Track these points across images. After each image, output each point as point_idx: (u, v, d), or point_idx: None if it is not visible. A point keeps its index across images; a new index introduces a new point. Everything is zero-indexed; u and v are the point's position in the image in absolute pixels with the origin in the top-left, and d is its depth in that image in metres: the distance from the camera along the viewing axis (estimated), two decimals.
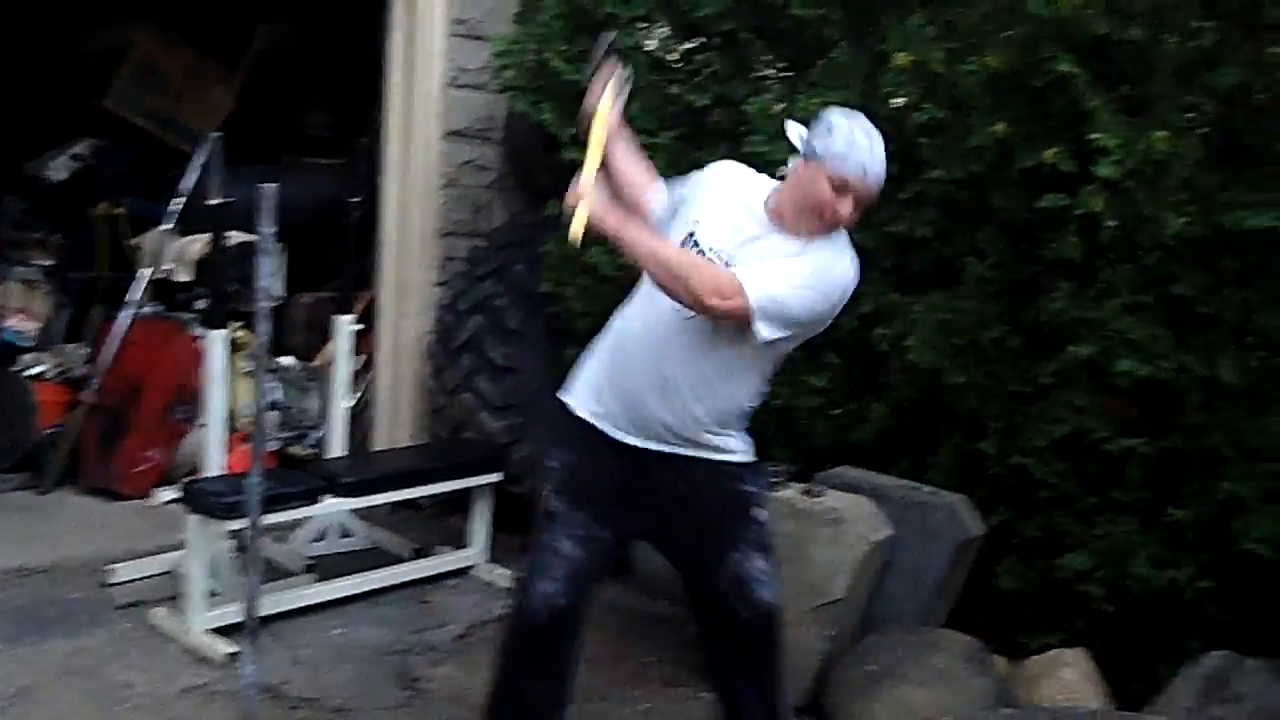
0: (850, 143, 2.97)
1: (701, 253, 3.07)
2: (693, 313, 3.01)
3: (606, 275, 4.99)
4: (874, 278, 4.51)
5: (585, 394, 3.26)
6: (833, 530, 3.99)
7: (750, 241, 3.08)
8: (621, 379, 3.18)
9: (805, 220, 3.05)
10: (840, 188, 2.98)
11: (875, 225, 4.40)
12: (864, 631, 4.15)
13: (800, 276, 3.01)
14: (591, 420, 3.22)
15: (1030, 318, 4.10)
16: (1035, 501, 4.18)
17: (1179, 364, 3.79)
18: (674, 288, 2.96)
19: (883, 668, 3.83)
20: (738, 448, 3.26)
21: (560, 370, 5.00)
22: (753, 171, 3.28)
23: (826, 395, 4.81)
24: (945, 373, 4.19)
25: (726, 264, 3.04)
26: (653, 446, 3.18)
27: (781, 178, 3.16)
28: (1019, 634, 4.23)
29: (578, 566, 3.19)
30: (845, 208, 3.01)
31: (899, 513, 4.16)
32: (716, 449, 3.21)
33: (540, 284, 5.27)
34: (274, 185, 3.18)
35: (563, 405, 3.30)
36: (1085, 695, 3.77)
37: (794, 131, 3.09)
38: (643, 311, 3.19)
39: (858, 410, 4.69)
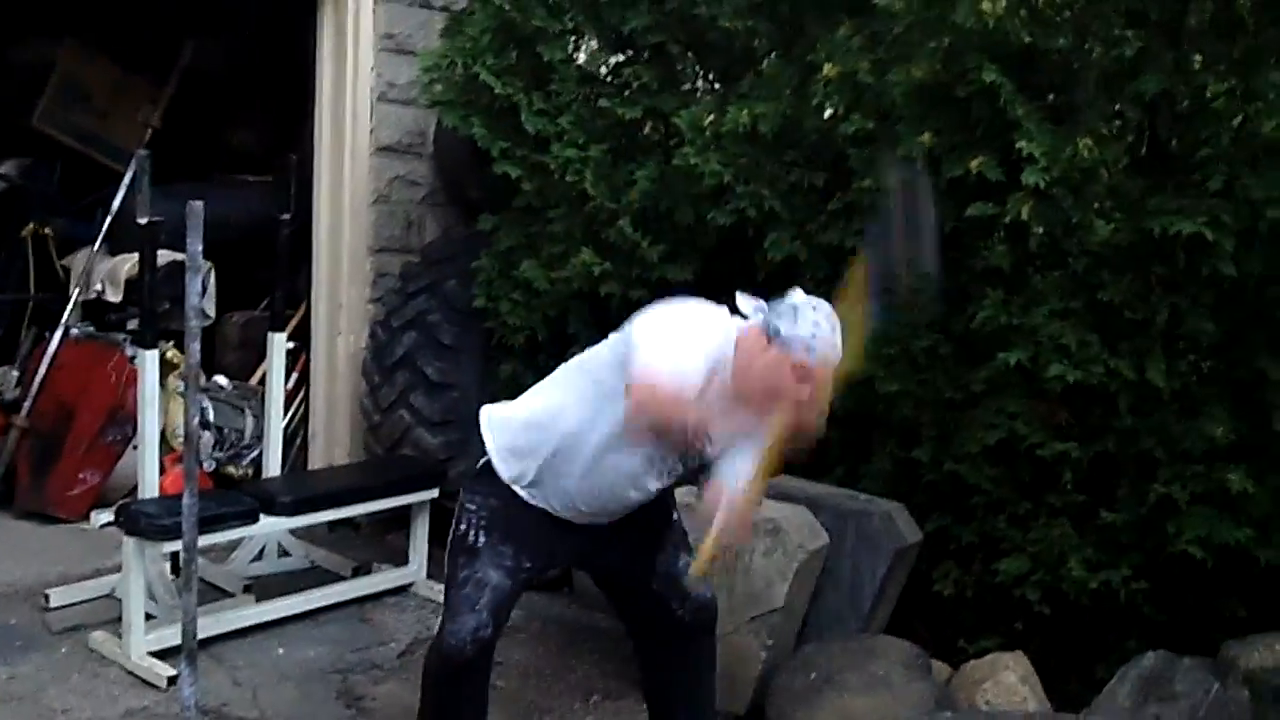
0: (815, 332, 2.94)
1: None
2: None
3: (540, 289, 5.00)
4: (807, 288, 4.53)
5: (521, 481, 3.24)
6: (770, 540, 4.01)
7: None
8: (576, 500, 3.20)
9: (760, 401, 3.00)
10: (803, 376, 2.94)
11: (806, 236, 4.44)
12: (803, 640, 4.18)
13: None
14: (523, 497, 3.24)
15: (961, 326, 4.15)
16: (970, 507, 4.23)
17: (1109, 369, 3.85)
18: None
19: (822, 676, 3.86)
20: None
21: (495, 385, 5.05)
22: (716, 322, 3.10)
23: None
24: (878, 381, 4.23)
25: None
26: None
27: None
28: (958, 639, 4.28)
29: (502, 596, 3.20)
30: (804, 393, 2.96)
31: (836, 521, 4.19)
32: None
33: (474, 299, 5.25)
34: (200, 203, 3.14)
35: (488, 466, 3.27)
36: (1024, 698, 3.81)
37: (746, 303, 3.06)
38: (623, 465, 3.15)
39: None
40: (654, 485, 3.20)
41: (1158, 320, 3.83)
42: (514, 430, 3.26)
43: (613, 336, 3.15)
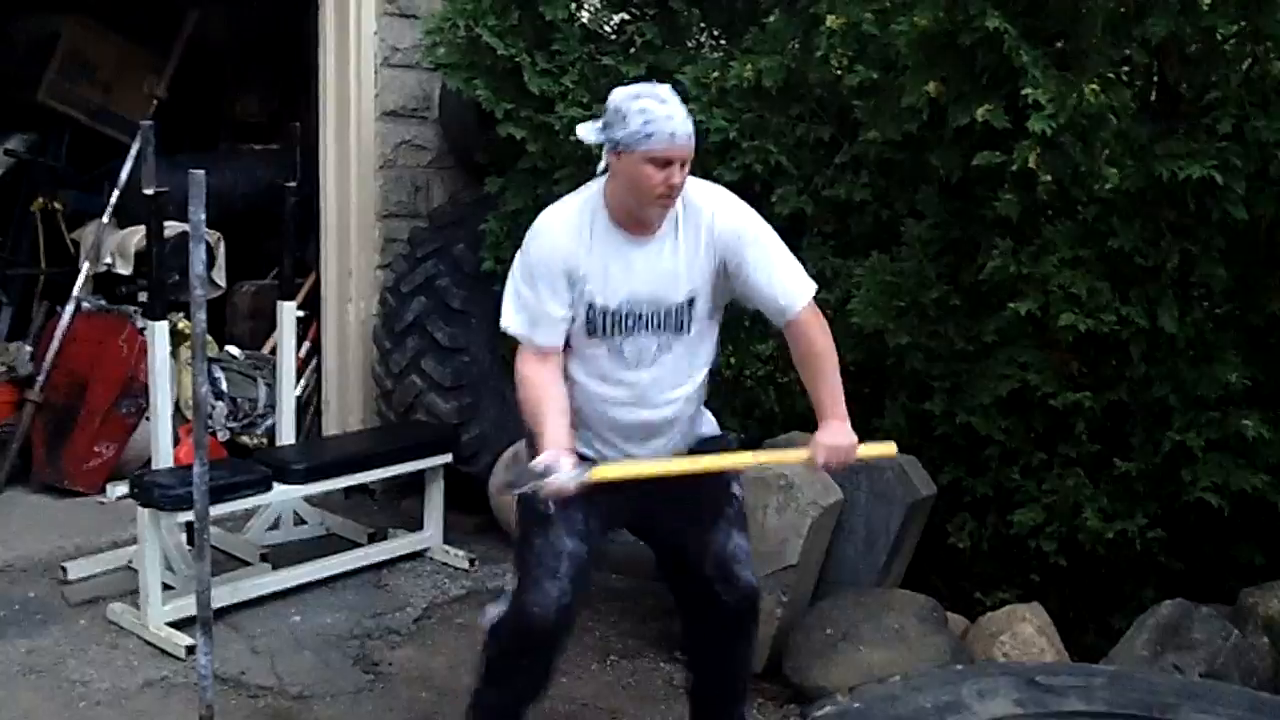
0: (647, 118, 2.88)
1: (617, 314, 3.04)
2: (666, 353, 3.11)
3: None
4: (815, 243, 4.53)
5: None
6: (783, 496, 4.00)
7: (644, 274, 3.04)
8: (611, 437, 3.17)
9: (650, 208, 2.99)
10: (663, 163, 2.90)
11: (813, 190, 4.41)
12: (819, 596, 4.18)
13: (775, 238, 3.17)
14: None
15: (971, 276, 4.12)
16: (984, 459, 4.21)
17: (1120, 316, 3.81)
18: None
19: (838, 631, 3.85)
20: (707, 425, 3.30)
21: (506, 349, 5.01)
22: (558, 220, 3.08)
23: (774, 363, 4.83)
24: (889, 334, 4.20)
25: (651, 300, 3.05)
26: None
27: (604, 173, 3.06)
28: (974, 592, 4.27)
29: (580, 562, 3.14)
30: (677, 176, 2.94)
31: (849, 476, 4.16)
32: (694, 434, 3.24)
33: (482, 262, 5.24)
34: (202, 172, 3.12)
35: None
36: (1041, 649, 3.80)
37: (586, 131, 3.03)
38: (641, 377, 3.12)
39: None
40: (665, 358, 3.12)
41: (1168, 266, 3.78)
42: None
43: None
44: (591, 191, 3.07)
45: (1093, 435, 4.00)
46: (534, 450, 3.01)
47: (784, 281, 3.09)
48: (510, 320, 3.05)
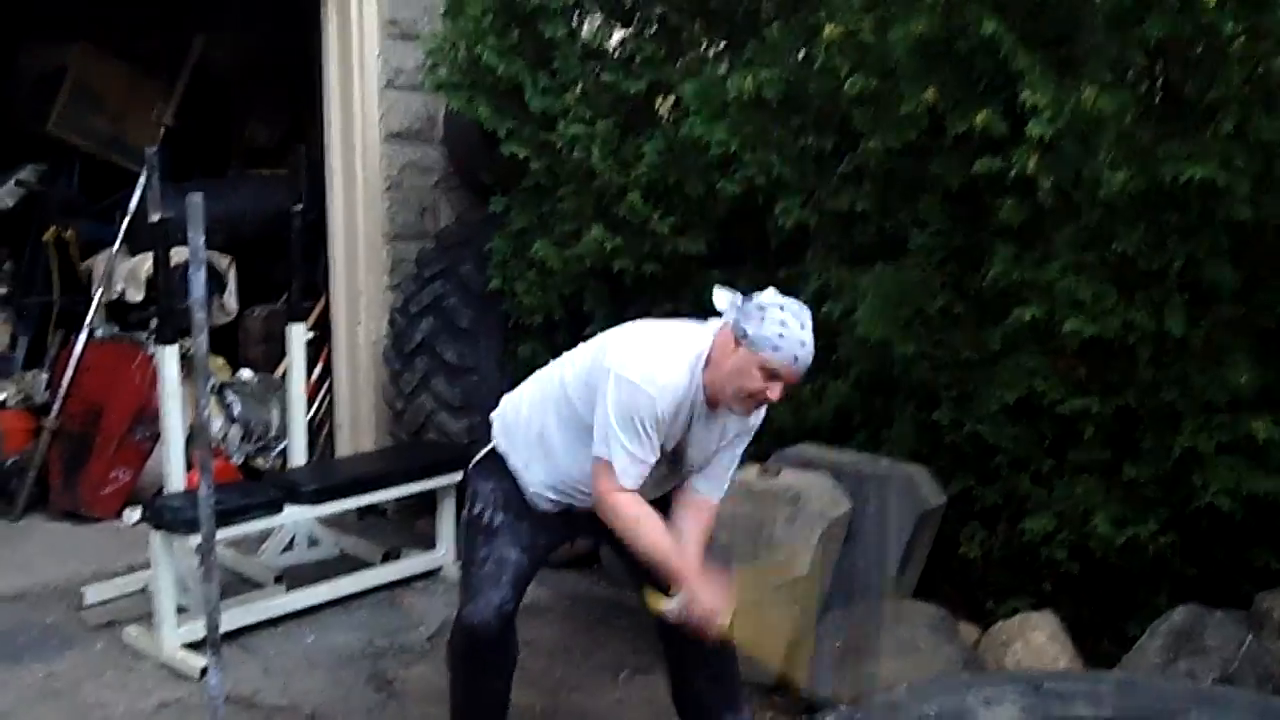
0: (783, 332, 2.94)
1: (671, 463, 3.17)
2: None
3: (554, 269, 4.99)
4: (819, 254, 4.53)
5: (525, 471, 3.29)
6: (791, 509, 3.99)
7: (699, 436, 3.15)
8: (570, 495, 3.25)
9: (734, 404, 3.06)
10: (771, 376, 2.97)
11: (816, 202, 4.41)
12: (829, 607, 4.16)
13: (744, 441, 3.28)
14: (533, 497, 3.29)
15: (975, 284, 4.10)
16: (993, 467, 4.19)
17: (1126, 321, 3.79)
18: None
19: (849, 643, 3.84)
20: None
21: (514, 367, 5.04)
22: (679, 371, 3.07)
23: None
24: (895, 344, 4.19)
25: (685, 461, 3.19)
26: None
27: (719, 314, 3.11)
28: (986, 601, 4.25)
29: (521, 571, 3.25)
30: (775, 393, 3.01)
31: (858, 487, 4.17)
32: None
33: (489, 281, 5.25)
34: (200, 196, 3.13)
35: (495, 452, 3.34)
36: (1054, 657, 3.78)
37: (722, 299, 3.07)
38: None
39: (816, 390, 4.70)
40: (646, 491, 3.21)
41: (1174, 269, 3.75)
42: (510, 425, 3.35)
43: (586, 352, 3.24)
44: (697, 351, 3.08)
45: (1102, 441, 3.97)
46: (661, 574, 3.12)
47: (730, 476, 3.31)
48: (610, 458, 3.03)
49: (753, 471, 4.14)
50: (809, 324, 3.00)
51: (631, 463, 3.03)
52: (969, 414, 4.15)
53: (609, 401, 3.02)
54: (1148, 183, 3.69)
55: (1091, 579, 4.07)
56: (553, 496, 3.27)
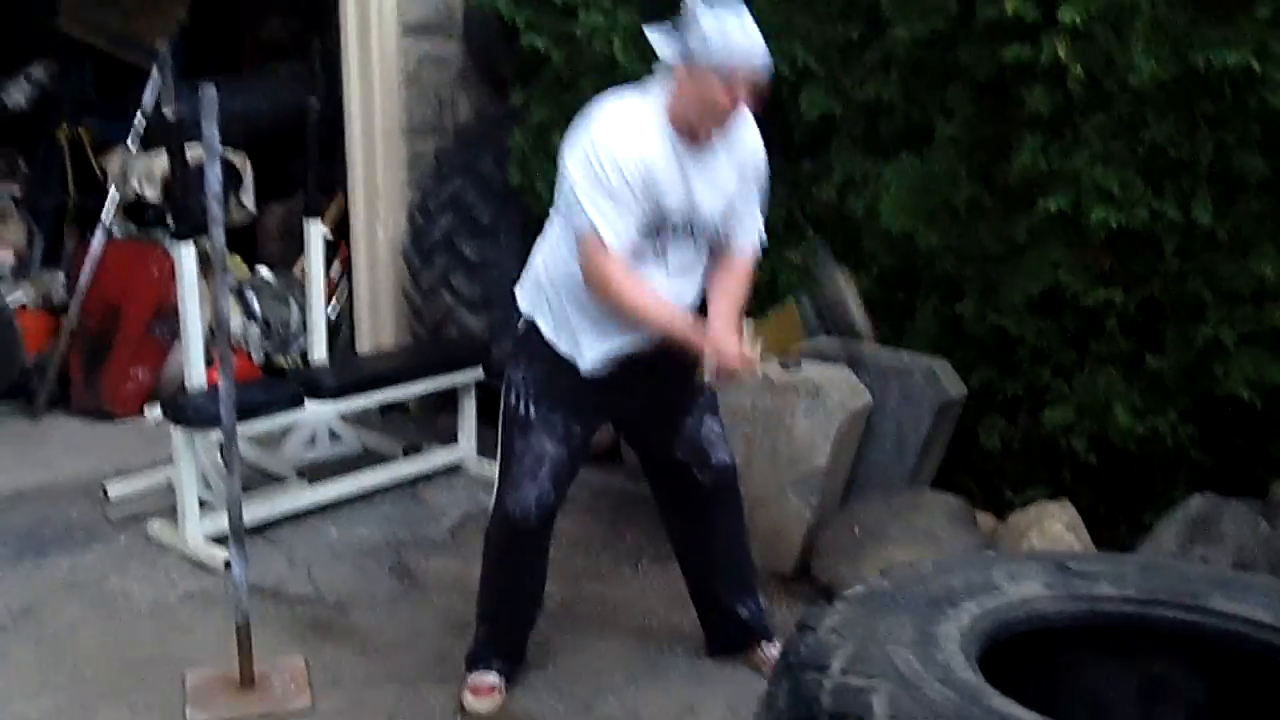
0: (724, 35, 2.88)
1: (675, 225, 3.09)
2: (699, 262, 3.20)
3: None
4: (844, 145, 4.48)
5: (555, 330, 3.23)
6: (811, 401, 3.99)
7: (699, 186, 3.09)
8: (611, 331, 3.16)
9: (710, 124, 3.01)
10: (731, 84, 2.91)
11: (841, 91, 4.35)
12: (849, 499, 4.18)
13: (758, 183, 3.19)
14: (565, 355, 3.23)
15: (1002, 175, 4.06)
16: (1015, 359, 4.18)
17: (1153, 211, 3.75)
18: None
19: (866, 532, 3.86)
20: None
21: None
22: (631, 119, 3.03)
23: (807, 270, 4.78)
24: (919, 236, 4.16)
25: (701, 221, 3.12)
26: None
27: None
28: (1004, 491, 4.26)
29: (561, 465, 3.25)
30: (741, 100, 2.96)
31: (878, 379, 4.16)
32: None
33: (509, 177, 5.21)
34: (213, 88, 3.11)
35: (530, 325, 3.28)
36: (1070, 545, 3.79)
37: (656, 37, 3.01)
38: (666, 284, 3.16)
39: None
40: (689, 271, 3.19)
41: (1203, 159, 3.71)
42: (530, 285, 3.31)
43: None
44: (653, 96, 3.05)
45: (1124, 332, 3.96)
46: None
47: (758, 218, 3.25)
48: (590, 223, 2.96)
49: (773, 364, 4.13)
50: (747, 18, 2.93)
51: (610, 219, 2.94)
52: (992, 306, 4.13)
53: (571, 172, 2.99)
54: (1180, 70, 3.63)
55: (1110, 470, 4.08)
56: (587, 350, 3.18)
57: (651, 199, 3.00)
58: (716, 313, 3.11)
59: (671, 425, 3.36)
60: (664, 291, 3.13)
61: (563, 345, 3.21)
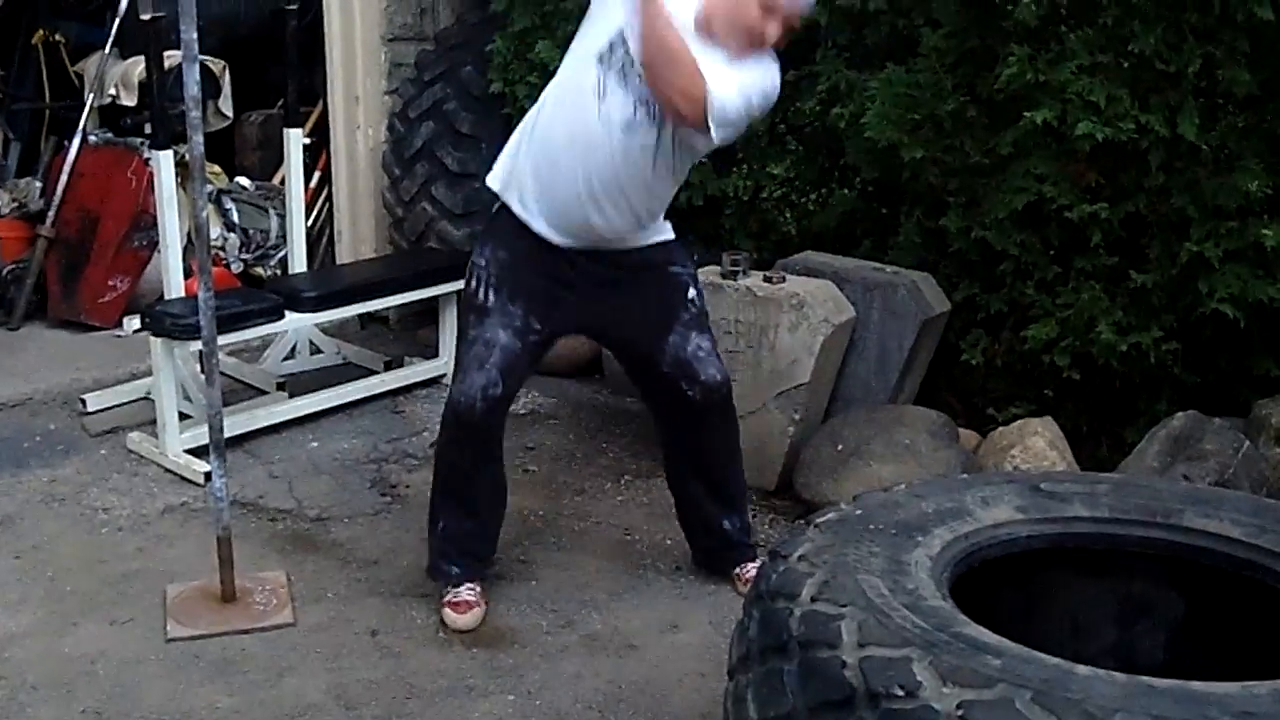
0: None
1: (624, 56, 2.99)
2: (637, 128, 2.99)
3: (556, 72, 4.85)
4: (829, 55, 4.42)
5: (513, 193, 3.20)
6: (795, 315, 3.97)
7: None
8: (549, 188, 3.12)
9: (733, 39, 2.97)
10: (769, 9, 2.90)
11: (828, 1, 4.28)
12: (832, 413, 4.18)
13: (746, 85, 2.98)
14: (521, 218, 3.19)
15: (988, 87, 4.00)
16: (999, 274, 4.15)
17: (1140, 124, 3.71)
18: (658, 71, 2.90)
19: (849, 447, 3.86)
20: (661, 231, 3.29)
21: None
22: None
23: (790, 184, 4.75)
24: (903, 148, 4.11)
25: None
26: (582, 247, 3.19)
27: None
28: (987, 408, 4.26)
29: (513, 357, 3.21)
30: (773, 30, 2.94)
31: (862, 294, 4.14)
32: (642, 238, 3.24)
33: (490, 84, 5.13)
34: None
35: (495, 198, 3.26)
36: (1053, 462, 3.79)
37: None
38: (572, 120, 3.07)
39: (821, 196, 4.64)
40: (599, 140, 3.05)
41: (1190, 72, 3.66)
42: (504, 157, 3.26)
43: None
44: None
45: (1109, 248, 3.93)
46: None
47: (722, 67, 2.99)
48: None
49: (757, 278, 4.11)
50: None
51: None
52: (976, 220, 4.09)
53: None
54: None
55: (1093, 386, 4.07)
56: (536, 210, 3.16)
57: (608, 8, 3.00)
58: None
59: (653, 342, 3.31)
60: (594, 150, 3.03)
61: (518, 207, 3.18)
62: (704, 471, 3.50)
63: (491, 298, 3.20)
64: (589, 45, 3.06)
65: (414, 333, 5.66)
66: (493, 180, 3.28)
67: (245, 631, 3.30)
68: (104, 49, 5.94)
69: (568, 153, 3.07)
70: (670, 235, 3.33)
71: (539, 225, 3.16)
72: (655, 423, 3.61)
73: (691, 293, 3.32)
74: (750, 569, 3.51)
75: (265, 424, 4.59)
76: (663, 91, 2.91)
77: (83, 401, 4.75)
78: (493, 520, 3.47)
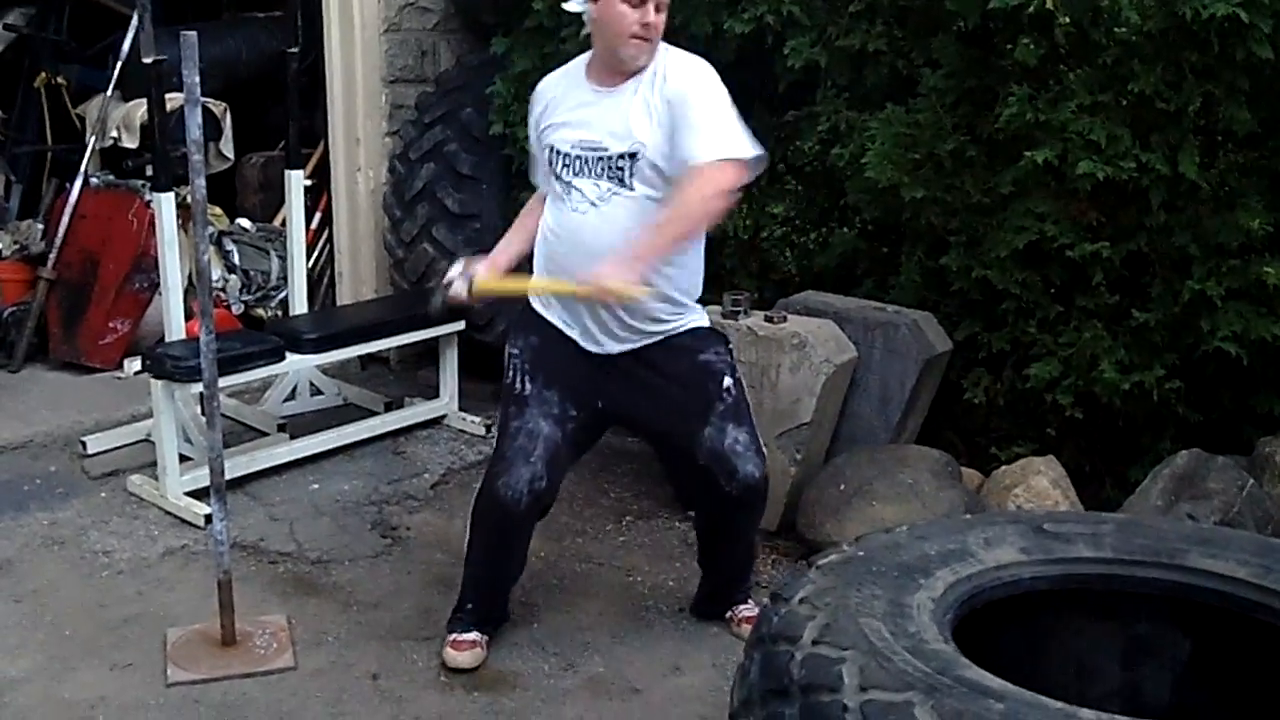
0: None
1: (568, 156, 3.11)
2: (610, 195, 3.09)
3: None
4: (829, 96, 4.43)
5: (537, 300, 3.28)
6: (796, 355, 3.96)
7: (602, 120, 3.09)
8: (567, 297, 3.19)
9: (631, 54, 3.01)
10: (637, 3, 2.94)
11: (827, 40, 4.30)
12: (834, 453, 4.16)
13: (713, 102, 3.00)
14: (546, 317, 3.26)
15: (988, 126, 4.01)
16: (1001, 313, 4.15)
17: (1140, 163, 3.71)
18: (705, 225, 3.09)
19: (852, 487, 3.84)
20: (692, 317, 3.27)
21: (517, 214, 4.96)
22: (553, 73, 3.30)
23: (791, 223, 4.76)
24: (904, 188, 4.11)
25: (595, 147, 3.08)
26: (612, 347, 3.21)
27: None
28: (990, 447, 4.24)
29: (555, 447, 3.19)
30: (651, 15, 2.97)
31: (863, 333, 4.14)
32: (672, 323, 3.23)
33: (490, 126, 5.15)
34: (194, 33, 3.05)
35: (521, 310, 3.32)
36: (1056, 502, 3.78)
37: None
38: (558, 224, 3.18)
39: (822, 236, 4.64)
40: (605, 209, 3.10)
41: (1190, 110, 3.67)
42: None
43: None
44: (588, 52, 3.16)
45: (1111, 286, 3.93)
46: None
47: (705, 135, 2.95)
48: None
49: (758, 318, 4.11)
50: None
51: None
52: (977, 260, 4.09)
53: None
54: (1167, 20, 3.59)
55: (1095, 425, 4.06)
56: (566, 316, 3.23)
57: (543, 139, 3.17)
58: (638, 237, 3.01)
59: (689, 435, 3.23)
60: (573, 232, 3.12)
61: (539, 307, 3.26)
62: (729, 549, 3.50)
63: (528, 386, 3.20)
64: (545, 170, 3.22)
65: (415, 374, 5.66)
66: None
67: (246, 676, 3.28)
68: (106, 92, 5.97)
69: (563, 245, 3.16)
70: (702, 321, 3.30)
71: (564, 328, 3.24)
72: (694, 505, 3.61)
73: (727, 381, 3.24)
74: (742, 610, 3.51)
75: (266, 465, 4.58)
76: (720, 213, 3.06)
77: (83, 444, 4.74)
78: (513, 586, 3.49)
